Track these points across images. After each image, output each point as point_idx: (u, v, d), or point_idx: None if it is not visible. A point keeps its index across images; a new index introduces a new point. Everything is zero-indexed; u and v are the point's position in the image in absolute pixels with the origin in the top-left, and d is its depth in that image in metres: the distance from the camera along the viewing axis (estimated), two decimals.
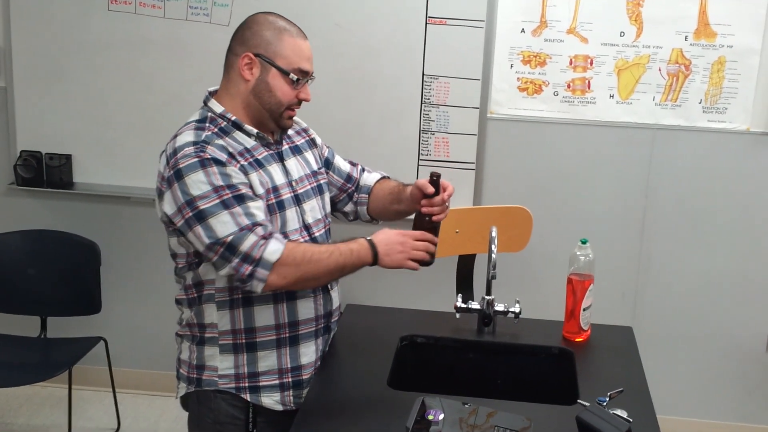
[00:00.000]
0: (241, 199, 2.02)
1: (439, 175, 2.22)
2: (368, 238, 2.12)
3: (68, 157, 3.74)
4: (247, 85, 2.13)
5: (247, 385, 2.17)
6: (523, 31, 3.51)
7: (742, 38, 3.41)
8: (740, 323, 3.69)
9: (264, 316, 2.16)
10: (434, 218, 2.22)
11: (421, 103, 3.58)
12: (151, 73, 3.65)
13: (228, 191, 2.01)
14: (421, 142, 3.62)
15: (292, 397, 2.20)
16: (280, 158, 2.21)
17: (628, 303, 3.72)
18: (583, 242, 2.49)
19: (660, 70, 3.48)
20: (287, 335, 2.19)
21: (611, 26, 3.46)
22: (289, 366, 2.20)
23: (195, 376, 2.20)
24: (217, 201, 2.00)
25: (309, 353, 2.23)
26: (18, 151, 3.74)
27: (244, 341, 2.16)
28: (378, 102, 3.60)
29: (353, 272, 2.13)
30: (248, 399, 2.17)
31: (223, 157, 2.05)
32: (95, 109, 3.70)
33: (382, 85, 3.58)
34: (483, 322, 2.51)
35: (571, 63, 3.51)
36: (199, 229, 2.00)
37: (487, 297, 2.48)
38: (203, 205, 1.99)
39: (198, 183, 2.00)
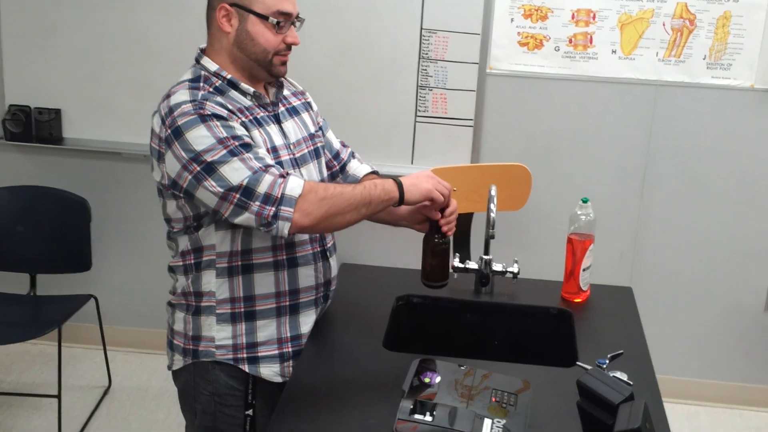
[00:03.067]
0: (248, 146, 1.95)
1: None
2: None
3: (57, 112, 3.68)
4: (228, 37, 2.05)
5: (245, 356, 2.11)
6: None
7: None
8: (739, 283, 3.66)
9: (264, 283, 2.09)
10: (448, 233, 2.16)
11: (419, 58, 3.51)
12: (142, 27, 3.57)
13: (234, 141, 1.94)
14: (418, 98, 3.55)
15: (291, 368, 2.14)
16: (277, 120, 2.14)
17: (627, 262, 3.68)
18: (584, 201, 2.44)
19: (664, 25, 3.40)
20: (287, 303, 2.13)
21: None
22: (288, 335, 2.14)
23: (191, 347, 2.13)
24: (225, 151, 1.92)
25: (309, 322, 2.18)
26: (6, 106, 3.68)
27: (242, 310, 2.09)
28: (375, 57, 3.53)
29: (380, 209, 2.04)
30: (246, 370, 2.11)
31: (223, 112, 1.97)
32: (85, 63, 3.63)
33: (379, 40, 3.51)
34: (480, 282, 2.48)
35: (573, 17, 3.43)
36: (210, 181, 1.91)
37: (485, 257, 2.44)
38: (211, 157, 1.91)
39: (201, 137, 1.92)
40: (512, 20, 3.46)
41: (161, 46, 3.56)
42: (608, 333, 2.29)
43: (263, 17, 2.03)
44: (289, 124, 2.17)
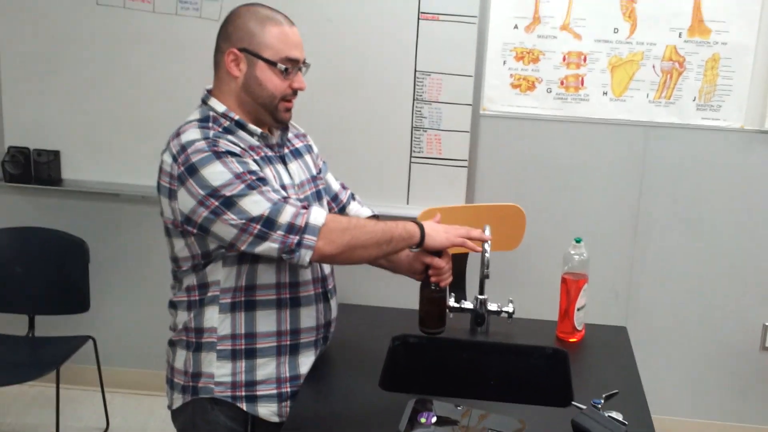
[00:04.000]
0: (264, 180, 1.98)
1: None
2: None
3: (56, 153, 3.71)
4: (236, 81, 2.08)
5: (243, 394, 2.11)
6: (516, 27, 3.48)
7: (737, 35, 3.39)
8: (734, 322, 3.68)
9: (266, 321, 2.10)
10: (442, 284, 2.18)
11: (414, 99, 3.56)
12: (140, 69, 3.61)
13: (251, 175, 1.96)
14: (413, 139, 3.59)
15: (289, 408, 2.14)
16: (283, 162, 2.17)
17: (622, 302, 3.70)
18: (578, 241, 2.46)
19: (654, 67, 3.46)
20: (288, 343, 2.13)
21: (605, 23, 3.44)
22: (287, 375, 2.14)
23: (191, 384, 2.13)
24: (243, 185, 1.93)
25: (307, 363, 2.18)
26: (5, 147, 3.71)
27: (243, 347, 2.10)
28: (370, 98, 3.57)
29: (400, 249, 2.08)
30: (244, 408, 2.11)
31: (236, 149, 2.00)
32: (84, 104, 3.67)
33: (374, 82, 3.55)
34: (476, 321, 2.49)
35: (564, 59, 3.49)
36: (229, 215, 1.92)
37: (480, 296, 2.46)
38: (229, 192, 1.92)
39: (217, 173, 1.93)
40: (504, 62, 3.52)
41: (159, 88, 3.60)
42: (603, 373, 2.30)
43: (272, 63, 2.05)
44: (294, 166, 2.20)
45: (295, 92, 2.12)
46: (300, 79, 2.12)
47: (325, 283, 2.22)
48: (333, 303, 2.26)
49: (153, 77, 3.61)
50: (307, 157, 2.29)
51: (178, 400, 2.17)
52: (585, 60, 3.48)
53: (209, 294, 2.09)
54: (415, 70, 3.53)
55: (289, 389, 2.14)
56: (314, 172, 2.28)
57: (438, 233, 2.10)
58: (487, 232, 2.39)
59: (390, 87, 3.56)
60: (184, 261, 2.09)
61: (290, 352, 2.14)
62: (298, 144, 2.28)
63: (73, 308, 3.55)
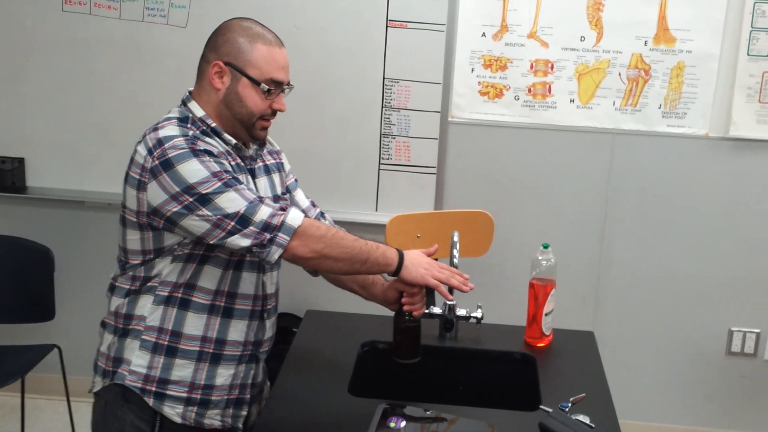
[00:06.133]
0: (239, 181, 1.99)
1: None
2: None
3: (21, 161, 3.68)
4: (217, 94, 2.08)
5: (153, 389, 2.09)
6: (484, 35, 3.50)
7: (701, 43, 3.44)
8: (700, 328, 3.72)
9: (194, 324, 2.09)
10: (415, 313, 2.18)
11: (382, 106, 3.56)
12: (106, 75, 3.59)
13: (227, 174, 1.97)
14: (381, 146, 3.60)
15: (194, 414, 2.12)
16: (252, 175, 2.17)
17: (589, 307, 3.72)
18: (545, 247, 2.48)
19: (620, 75, 3.49)
20: (211, 351, 2.11)
21: (572, 31, 3.47)
22: (202, 383, 2.12)
23: (111, 369, 2.12)
24: (219, 183, 1.94)
25: (225, 376, 2.15)
26: None
27: (166, 343, 2.08)
28: (338, 106, 3.57)
29: (373, 271, 2.09)
30: (150, 403, 2.09)
31: (214, 149, 2.01)
32: (49, 111, 3.64)
33: (342, 89, 3.56)
34: (445, 327, 2.49)
35: (531, 67, 3.51)
36: (203, 210, 1.93)
37: (449, 302, 2.46)
38: (205, 189, 1.93)
39: (194, 171, 1.94)
40: (473, 70, 3.54)
41: (126, 95, 3.58)
42: (571, 377, 2.32)
43: (255, 82, 2.06)
44: (261, 181, 2.20)
45: (274, 113, 2.13)
46: (281, 101, 2.13)
47: (265, 301, 2.20)
48: (269, 323, 2.24)
49: (119, 84, 3.59)
50: (275, 176, 2.28)
51: (98, 384, 2.16)
52: (552, 68, 3.51)
53: (149, 284, 2.08)
54: (384, 78, 3.54)
55: (199, 396, 2.12)
56: (279, 191, 2.28)
57: (416, 268, 2.10)
58: (456, 238, 2.40)
59: (358, 94, 3.56)
60: (134, 254, 2.08)
61: (210, 360, 2.12)
62: (270, 161, 2.28)
63: (38, 317, 3.50)
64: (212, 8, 3.45)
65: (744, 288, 3.67)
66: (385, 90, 3.55)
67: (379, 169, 3.62)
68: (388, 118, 3.57)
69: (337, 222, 2.40)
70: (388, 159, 3.61)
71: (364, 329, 2.53)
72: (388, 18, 3.48)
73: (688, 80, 3.48)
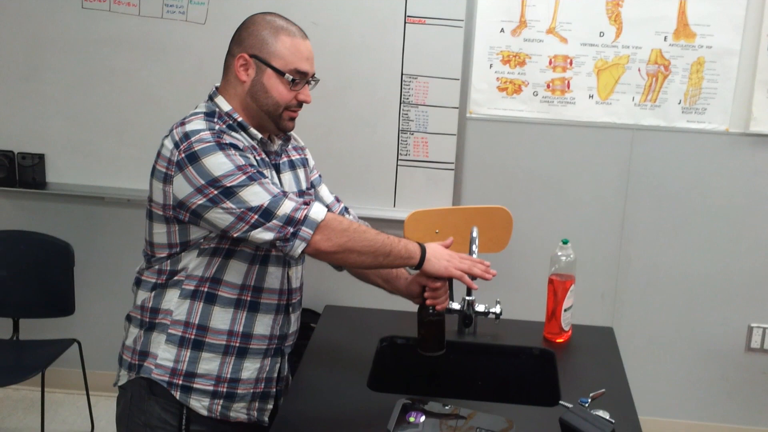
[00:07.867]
0: (263, 175, 2.00)
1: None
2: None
3: (41, 157, 3.69)
4: (243, 86, 2.09)
5: (180, 383, 2.10)
6: (502, 30, 3.49)
7: (721, 39, 3.41)
8: (720, 323, 3.70)
9: (221, 318, 2.10)
10: (438, 307, 2.19)
11: (400, 102, 3.56)
12: (125, 72, 3.60)
13: (252, 168, 1.98)
14: (400, 142, 3.60)
15: (220, 407, 2.14)
16: (277, 170, 2.18)
17: (608, 303, 3.71)
18: (564, 242, 2.47)
19: (639, 70, 3.48)
20: (237, 344, 2.13)
21: (591, 26, 3.46)
22: (228, 376, 2.13)
23: (137, 362, 2.13)
24: (244, 177, 1.95)
25: (251, 369, 2.17)
26: None
27: (193, 336, 2.09)
28: (357, 102, 3.57)
29: (396, 265, 2.09)
30: (177, 397, 2.10)
31: (240, 144, 2.03)
32: (69, 107, 3.65)
33: (360, 85, 3.56)
34: (464, 322, 2.49)
35: (550, 63, 3.50)
36: (227, 203, 1.94)
37: (468, 297, 2.45)
38: (230, 182, 1.94)
39: (219, 164, 1.95)
40: (491, 66, 3.53)
41: (144, 91, 3.59)
42: (590, 373, 2.31)
43: (280, 73, 2.07)
44: (286, 176, 2.21)
45: (300, 104, 2.14)
46: (306, 92, 2.14)
47: (290, 296, 2.22)
48: (293, 317, 2.25)
49: (138, 80, 3.60)
50: (300, 171, 2.29)
51: (123, 378, 2.17)
52: (571, 63, 3.50)
53: (176, 278, 2.10)
54: (402, 74, 3.53)
55: (225, 389, 2.14)
56: (304, 186, 2.29)
57: (439, 260, 2.11)
58: (475, 234, 2.40)
59: (377, 90, 3.56)
60: (160, 247, 2.10)
61: (237, 354, 2.14)
62: (295, 156, 2.29)
63: (58, 311, 3.54)
64: (231, 5, 3.45)
65: (764, 284, 3.65)
66: (403, 86, 3.54)
67: (397, 165, 3.62)
68: (407, 114, 3.57)
69: None
70: (406, 155, 3.61)
71: (382, 324, 2.53)
72: (407, 14, 3.48)
73: (708, 76, 3.46)
